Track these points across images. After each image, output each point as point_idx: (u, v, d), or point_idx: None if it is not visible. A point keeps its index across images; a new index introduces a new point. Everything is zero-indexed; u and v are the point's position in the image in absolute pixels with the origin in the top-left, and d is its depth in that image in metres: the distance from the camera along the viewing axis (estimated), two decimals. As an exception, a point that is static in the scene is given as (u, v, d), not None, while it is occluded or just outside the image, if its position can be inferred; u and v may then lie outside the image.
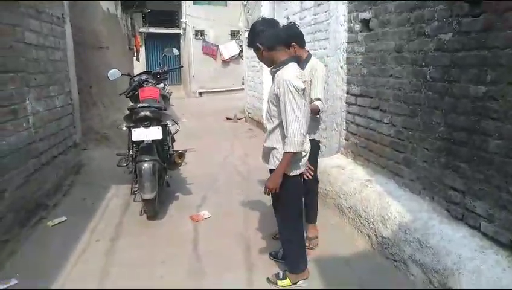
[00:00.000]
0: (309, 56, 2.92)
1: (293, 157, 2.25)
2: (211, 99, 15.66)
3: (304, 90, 2.19)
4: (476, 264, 2.10)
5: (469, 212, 2.34)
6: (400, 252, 2.65)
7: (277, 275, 2.58)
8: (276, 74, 2.26)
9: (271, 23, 2.33)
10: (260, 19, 2.42)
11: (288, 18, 5.73)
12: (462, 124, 2.36)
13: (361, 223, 3.14)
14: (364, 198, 3.16)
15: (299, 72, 2.25)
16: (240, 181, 4.71)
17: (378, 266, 2.76)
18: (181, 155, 3.79)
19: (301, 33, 2.93)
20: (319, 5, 4.56)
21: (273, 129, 2.33)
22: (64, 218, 3.51)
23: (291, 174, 2.32)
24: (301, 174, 2.41)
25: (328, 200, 3.69)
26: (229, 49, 17.53)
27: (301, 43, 2.87)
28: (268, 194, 2.40)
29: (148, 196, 3.30)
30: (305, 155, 2.37)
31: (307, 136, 2.41)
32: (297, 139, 2.16)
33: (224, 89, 16.82)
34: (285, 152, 2.22)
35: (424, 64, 2.70)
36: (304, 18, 4.97)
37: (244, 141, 7.12)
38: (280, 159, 2.27)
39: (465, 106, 2.33)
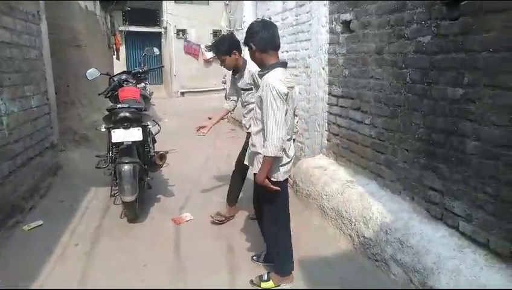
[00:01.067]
0: (245, 62, 3.27)
1: (273, 162, 2.25)
2: (193, 99, 15.52)
3: (287, 95, 2.20)
4: (455, 264, 2.14)
5: (448, 212, 2.39)
6: (381, 252, 2.68)
7: (260, 277, 2.58)
8: (262, 78, 2.28)
9: (268, 26, 2.33)
10: (259, 20, 2.46)
11: (270, 18, 5.73)
12: (441, 125, 2.40)
13: (343, 223, 3.16)
14: (346, 199, 3.19)
15: (285, 77, 2.25)
16: (223, 182, 4.67)
17: (360, 267, 2.79)
18: (162, 156, 3.73)
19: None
20: (301, 5, 4.57)
21: (257, 132, 2.33)
22: (40, 222, 3.41)
23: (273, 179, 2.32)
24: (286, 180, 2.42)
25: (311, 201, 3.70)
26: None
27: (240, 50, 3.25)
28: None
29: (129, 198, 3.24)
30: (289, 162, 2.37)
31: (291, 143, 2.41)
32: (275, 144, 2.16)
33: (206, 89, 16.70)
34: (264, 156, 2.22)
35: (404, 66, 2.74)
36: (285, 19, 4.98)
37: (227, 141, 7.09)
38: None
39: (444, 108, 2.37)
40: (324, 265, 2.83)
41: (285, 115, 2.21)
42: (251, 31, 2.33)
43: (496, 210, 2.04)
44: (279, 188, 2.31)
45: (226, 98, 3.57)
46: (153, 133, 4.25)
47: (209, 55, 17.34)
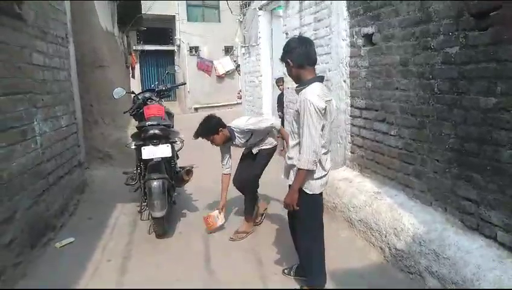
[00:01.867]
0: (231, 131, 3.49)
1: (307, 175, 2.29)
2: (207, 114, 15.67)
3: (324, 109, 2.23)
4: (496, 274, 2.11)
5: (484, 222, 2.36)
6: (415, 264, 2.66)
7: (294, 290, 2.57)
8: (300, 93, 2.32)
9: (305, 42, 2.38)
10: (296, 36, 2.52)
11: (287, 34, 5.83)
12: (473, 134, 2.40)
13: (373, 235, 3.15)
14: (375, 210, 3.18)
15: (322, 92, 2.29)
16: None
17: (393, 279, 2.76)
18: (189, 172, 3.79)
19: None
20: (319, 20, 4.65)
21: (294, 146, 2.37)
22: (72, 239, 3.46)
23: (308, 192, 2.35)
24: (321, 194, 2.45)
25: (337, 214, 3.70)
26: (223, 64, 17.68)
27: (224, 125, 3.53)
28: (289, 210, 2.42)
29: (159, 214, 3.29)
30: (325, 175, 2.40)
31: (328, 156, 2.44)
32: (309, 158, 2.21)
33: (219, 104, 16.89)
34: (298, 168, 2.27)
35: (431, 77, 2.76)
36: (303, 34, 5.05)
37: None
38: None
39: (476, 117, 2.37)
40: (356, 277, 2.81)
41: (322, 129, 2.25)
42: (288, 48, 2.38)
43: (536, 219, 2.02)
44: (297, 208, 2.33)
45: (222, 165, 3.73)
46: (176, 149, 4.32)
47: (222, 70, 17.63)
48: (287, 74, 2.51)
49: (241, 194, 3.77)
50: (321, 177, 2.37)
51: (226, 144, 3.58)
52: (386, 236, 2.99)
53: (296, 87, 2.41)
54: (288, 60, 2.37)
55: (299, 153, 2.26)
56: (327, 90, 2.43)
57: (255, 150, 3.57)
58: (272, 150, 3.59)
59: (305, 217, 2.43)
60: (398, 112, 3.18)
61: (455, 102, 2.53)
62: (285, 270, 2.86)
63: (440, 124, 2.69)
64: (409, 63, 3.00)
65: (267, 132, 3.50)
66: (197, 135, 3.50)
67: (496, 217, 2.27)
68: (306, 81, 2.33)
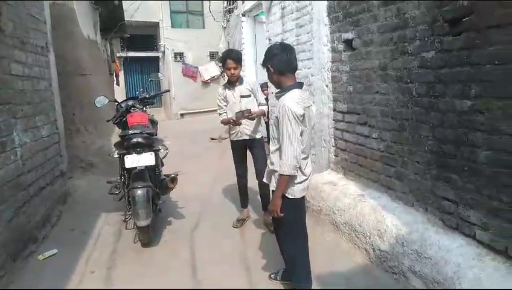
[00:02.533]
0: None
1: (289, 180, 2.31)
2: (193, 120, 15.62)
3: (303, 116, 2.26)
4: (475, 272, 2.17)
5: (463, 221, 2.42)
6: (398, 265, 2.70)
7: (280, 295, 2.58)
8: (279, 99, 2.35)
9: (287, 49, 2.40)
10: (278, 43, 2.55)
11: (270, 39, 5.87)
12: (450, 136, 2.46)
13: (357, 237, 3.18)
14: (359, 213, 3.22)
15: (301, 98, 2.32)
16: (232, 201, 4.70)
17: (378, 280, 2.80)
18: (173, 179, 3.77)
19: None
20: (301, 26, 4.70)
21: (275, 151, 2.39)
22: (55, 251, 3.40)
23: (289, 196, 2.37)
24: (302, 198, 2.47)
25: (322, 217, 3.73)
26: (208, 70, 17.64)
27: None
28: (274, 216, 2.44)
29: (144, 223, 3.26)
30: (305, 180, 2.42)
31: (308, 160, 2.47)
32: (289, 163, 2.24)
33: (205, 110, 16.83)
34: (279, 174, 2.30)
35: (409, 80, 2.82)
36: (286, 39, 5.10)
37: (231, 160, 7.11)
38: None
39: (452, 120, 2.44)
40: (341, 279, 2.84)
41: (301, 135, 2.28)
42: (270, 54, 2.41)
43: (512, 217, 2.08)
44: (281, 215, 2.36)
45: (220, 114, 3.88)
46: (161, 156, 4.30)
47: (207, 76, 17.60)
48: (268, 79, 2.54)
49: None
50: (302, 182, 2.39)
51: (232, 90, 3.74)
52: (370, 238, 3.03)
53: (276, 93, 2.44)
54: (269, 66, 2.40)
55: (280, 159, 2.29)
56: (307, 96, 2.47)
57: (249, 136, 3.73)
58: (263, 140, 3.88)
59: (288, 221, 2.44)
60: (378, 115, 3.24)
61: (432, 105, 2.60)
62: (272, 275, 2.87)
63: (419, 126, 2.76)
64: (387, 68, 3.06)
65: (262, 113, 3.72)
66: (227, 55, 3.66)
67: (475, 216, 2.33)
68: (286, 88, 2.37)
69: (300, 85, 2.43)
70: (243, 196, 4.03)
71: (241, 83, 3.70)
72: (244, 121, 3.60)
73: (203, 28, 17.34)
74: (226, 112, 3.79)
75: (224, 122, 3.76)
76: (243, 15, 7.45)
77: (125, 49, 16.21)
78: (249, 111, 3.51)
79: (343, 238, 3.39)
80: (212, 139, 9.50)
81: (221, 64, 3.79)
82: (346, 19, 3.63)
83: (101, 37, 9.40)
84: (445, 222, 2.58)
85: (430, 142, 2.65)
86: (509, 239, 2.11)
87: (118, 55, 14.66)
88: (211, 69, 17.67)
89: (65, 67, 5.64)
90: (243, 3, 7.31)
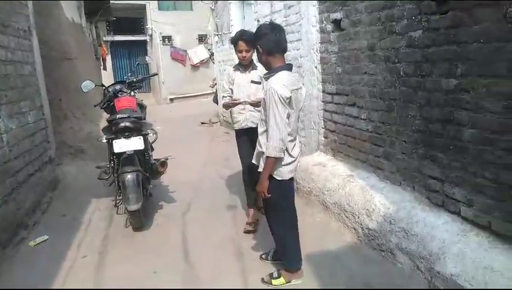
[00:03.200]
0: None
1: (275, 162, 2.33)
2: (183, 104, 15.52)
3: (289, 98, 2.24)
4: (460, 247, 2.23)
5: (449, 198, 2.47)
6: (386, 242, 2.76)
7: (271, 274, 2.63)
8: (267, 80, 2.34)
9: (276, 29, 2.36)
10: (267, 22, 2.49)
11: (258, 21, 5.79)
12: (437, 116, 2.49)
13: (346, 217, 3.23)
14: (348, 193, 3.26)
15: (289, 80, 2.30)
16: (224, 184, 4.72)
17: (367, 258, 2.86)
18: (163, 164, 3.76)
19: None
20: (289, 7, 4.64)
21: (263, 132, 2.40)
22: (46, 237, 3.40)
23: (278, 178, 2.39)
24: (291, 180, 2.49)
25: (312, 198, 3.77)
26: (197, 53, 17.45)
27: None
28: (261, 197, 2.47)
29: (134, 207, 3.26)
30: (293, 161, 2.43)
31: (295, 142, 2.47)
32: (275, 145, 2.25)
33: (195, 94, 16.72)
34: (266, 156, 2.31)
35: (396, 60, 2.82)
36: (275, 20, 5.03)
37: (222, 144, 7.13)
38: None
39: (439, 99, 2.46)
40: (331, 258, 2.89)
41: (288, 117, 2.28)
42: (259, 33, 2.38)
43: (495, 193, 2.13)
44: (269, 195, 2.38)
45: (223, 96, 3.50)
46: (151, 141, 4.27)
47: (196, 60, 17.40)
48: (257, 60, 2.51)
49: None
50: (289, 164, 2.41)
51: (243, 74, 3.36)
52: (358, 217, 3.08)
53: (264, 74, 2.43)
54: (258, 46, 2.37)
55: (267, 141, 2.29)
56: (296, 78, 2.44)
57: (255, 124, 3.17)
58: None
59: (277, 202, 2.47)
60: (367, 96, 3.25)
61: (419, 84, 2.61)
62: (263, 256, 2.92)
63: (406, 106, 2.77)
64: (375, 48, 3.05)
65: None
66: (240, 37, 3.24)
67: (460, 194, 2.38)
68: (274, 69, 2.35)
69: (289, 67, 2.41)
70: (249, 193, 3.49)
71: (254, 68, 3.35)
72: (249, 106, 3.30)
73: (191, 10, 17.05)
74: (231, 96, 3.41)
75: (226, 105, 3.38)
76: (231, -4, 7.32)
77: (112, 33, 15.91)
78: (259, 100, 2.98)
79: (333, 218, 3.44)
80: (203, 123, 9.47)
81: (233, 46, 3.34)
82: (334, -2, 3.59)
83: (86, 21, 9.19)
84: (432, 200, 2.63)
85: (417, 122, 2.67)
86: (492, 215, 2.16)
87: (104, 39, 14.40)
88: (200, 53, 17.47)
89: (49, 52, 5.52)
90: (231, -17, 7.17)
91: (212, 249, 3.12)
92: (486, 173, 2.16)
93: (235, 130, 3.52)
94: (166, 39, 17.05)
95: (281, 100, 2.20)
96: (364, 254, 2.92)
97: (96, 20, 10.64)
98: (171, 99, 16.98)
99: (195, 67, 17.60)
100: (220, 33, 8.43)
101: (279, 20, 4.89)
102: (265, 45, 2.34)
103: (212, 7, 8.67)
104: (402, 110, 2.82)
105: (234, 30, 7.50)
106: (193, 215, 3.84)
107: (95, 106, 4.27)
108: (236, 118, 3.42)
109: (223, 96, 3.48)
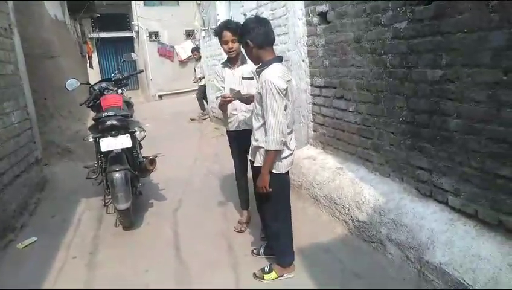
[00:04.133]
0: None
1: (275, 155, 2.32)
2: (172, 101, 15.37)
3: (286, 90, 2.24)
4: (448, 236, 2.25)
5: (436, 188, 2.50)
6: (376, 234, 2.78)
7: (263, 269, 2.63)
8: (260, 74, 2.31)
9: (263, 22, 2.35)
10: (253, 16, 2.47)
11: (245, 15, 5.75)
12: (423, 106, 2.50)
13: (337, 210, 3.25)
14: (338, 185, 3.28)
15: (283, 72, 2.29)
16: (214, 181, 4.70)
17: (357, 249, 2.88)
18: (152, 161, 3.73)
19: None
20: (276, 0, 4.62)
21: (259, 127, 2.38)
22: (34, 238, 3.35)
23: (275, 172, 2.39)
24: (287, 173, 2.49)
25: (303, 191, 3.78)
26: (185, 49, 17.27)
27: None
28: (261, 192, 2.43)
29: (123, 206, 3.23)
30: (291, 154, 2.44)
31: (292, 135, 2.47)
32: (275, 138, 2.23)
33: (184, 90, 16.58)
34: (266, 150, 2.29)
35: (383, 52, 2.83)
36: (261, 14, 5.01)
37: (212, 140, 7.09)
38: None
39: (425, 90, 2.47)
40: (323, 251, 2.91)
41: (285, 109, 2.27)
42: (247, 28, 2.34)
43: (481, 182, 2.15)
44: (270, 190, 2.37)
45: (216, 97, 3.20)
46: (138, 139, 4.23)
47: (184, 55, 17.24)
48: (245, 55, 2.48)
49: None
50: (287, 157, 2.41)
51: (232, 69, 3.13)
52: (349, 209, 3.10)
53: (257, 68, 2.39)
54: (248, 41, 2.33)
55: (266, 134, 2.28)
56: (287, 70, 2.43)
57: (247, 125, 3.02)
58: None
59: (273, 196, 2.46)
60: (354, 88, 3.25)
61: (406, 76, 2.62)
62: (254, 251, 2.92)
63: (393, 98, 2.78)
64: (362, 40, 3.05)
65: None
66: (227, 29, 2.96)
67: (447, 183, 2.40)
68: (266, 62, 2.32)
69: (280, 59, 2.39)
70: (243, 195, 3.42)
71: (243, 62, 3.10)
72: (240, 106, 3.06)
73: (178, 5, 16.86)
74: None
75: (220, 107, 3.10)
76: (217, -10, 7.25)
77: (97, 30, 15.66)
78: (251, 96, 2.77)
79: (324, 211, 3.45)
80: (192, 119, 9.41)
81: (217, 38, 3.08)
82: (320, -9, 3.58)
83: (69, 18, 9.03)
84: (420, 190, 2.65)
85: (404, 113, 2.69)
86: (478, 203, 2.19)
87: (89, 36, 14.17)
88: (188, 48, 17.28)
89: (32, 50, 5.41)
90: (217, -22, 7.10)
91: (204, 246, 3.11)
92: (472, 162, 2.19)
93: (227, 131, 3.33)
94: (153, 35, 16.87)
95: (278, 92, 2.19)
96: (355, 245, 2.94)
97: (81, 17, 10.47)
98: (160, 96, 16.84)
99: (183, 63, 17.45)
100: (207, 28, 8.35)
101: (266, 13, 4.86)
102: (254, 39, 2.31)
103: (199, 2, 8.58)
104: (389, 102, 2.83)
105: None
106: (184, 212, 3.82)
107: (80, 104, 4.20)
108: (228, 118, 3.20)
109: (216, 97, 3.20)
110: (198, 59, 9.52)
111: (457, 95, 2.22)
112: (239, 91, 2.85)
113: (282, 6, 4.37)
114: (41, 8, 6.09)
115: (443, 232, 2.29)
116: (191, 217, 3.69)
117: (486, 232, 2.15)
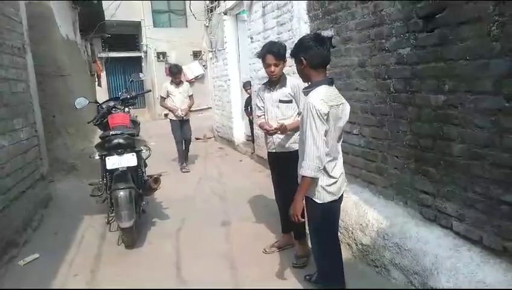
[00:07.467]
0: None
1: (310, 182, 2.15)
2: (178, 120, 15.49)
3: (327, 114, 2.09)
4: (453, 262, 2.23)
5: (441, 213, 2.48)
6: (380, 258, 2.75)
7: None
8: (307, 95, 2.19)
9: (322, 41, 2.18)
10: (312, 34, 2.32)
11: (252, 38, 5.89)
12: (427, 131, 2.52)
13: (341, 233, 3.22)
14: (342, 208, 3.24)
15: (328, 95, 2.13)
16: (219, 201, 4.70)
17: (361, 273, 2.85)
18: (156, 180, 3.75)
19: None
20: (282, 24, 4.74)
21: (302, 152, 2.21)
22: (36, 255, 3.35)
23: (317, 201, 2.21)
24: (334, 201, 2.27)
25: (306, 213, 3.76)
26: (192, 69, 17.56)
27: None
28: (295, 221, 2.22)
29: (127, 224, 3.24)
30: (335, 182, 2.25)
31: (336, 162, 2.30)
32: (312, 164, 2.08)
33: (190, 110, 16.72)
34: (302, 176, 2.14)
35: (387, 77, 2.87)
36: (267, 37, 5.13)
37: (217, 160, 7.13)
38: None
39: (428, 114, 2.50)
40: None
41: (326, 135, 2.11)
42: (304, 45, 2.19)
43: (485, 208, 2.14)
44: (303, 220, 2.20)
45: (258, 116, 3.23)
46: (144, 157, 4.27)
47: (191, 75, 17.50)
48: (296, 70, 2.30)
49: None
50: (330, 185, 2.22)
51: (272, 90, 3.08)
52: (352, 233, 3.08)
53: (304, 88, 2.25)
54: (302, 58, 2.17)
55: (303, 159, 2.12)
56: (336, 93, 2.23)
57: (283, 148, 3.05)
58: None
59: (316, 227, 2.31)
60: (359, 111, 3.28)
61: (409, 100, 2.65)
62: (307, 277, 2.75)
63: (397, 121, 2.81)
64: (366, 64, 3.11)
65: (297, 126, 2.73)
66: (268, 51, 2.96)
67: (451, 208, 2.39)
68: (314, 83, 2.18)
69: (330, 81, 2.22)
70: (284, 220, 3.25)
71: (283, 84, 3.03)
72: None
73: (186, 27, 17.23)
74: (264, 114, 3.13)
75: (261, 126, 3.04)
76: (225, 13, 7.43)
77: (107, 50, 15.99)
78: (285, 128, 2.87)
79: (327, 233, 3.42)
80: (197, 139, 9.47)
81: (261, 60, 3.02)
82: (325, 16, 3.67)
83: (80, 37, 9.26)
84: (424, 215, 2.64)
85: (408, 137, 2.71)
86: (483, 229, 2.17)
87: (99, 55, 14.47)
88: (195, 69, 17.59)
89: (43, 69, 5.54)
90: (225, 1, 7.29)
91: (206, 266, 3.09)
92: (476, 188, 2.19)
93: (267, 152, 3.28)
94: (161, 55, 17.18)
95: (318, 116, 2.04)
96: (359, 269, 2.90)
97: (91, 37, 10.72)
98: (166, 115, 16.96)
99: (190, 83, 17.67)
100: (214, 50, 8.52)
101: (272, 37, 4.97)
102: (309, 59, 2.15)
103: (207, 24, 8.79)
104: (393, 126, 2.86)
105: (228, 47, 7.61)
106: (187, 231, 3.81)
107: (88, 123, 4.27)
108: (267, 139, 3.19)
109: (258, 116, 3.22)
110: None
111: (461, 120, 2.24)
112: (279, 127, 2.84)
113: (288, 30, 4.48)
114: (54, 28, 6.27)
115: (448, 258, 2.27)
116: (193, 237, 3.67)
117: (491, 258, 2.13)
